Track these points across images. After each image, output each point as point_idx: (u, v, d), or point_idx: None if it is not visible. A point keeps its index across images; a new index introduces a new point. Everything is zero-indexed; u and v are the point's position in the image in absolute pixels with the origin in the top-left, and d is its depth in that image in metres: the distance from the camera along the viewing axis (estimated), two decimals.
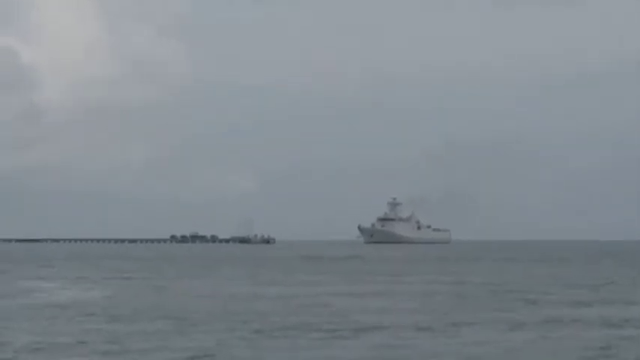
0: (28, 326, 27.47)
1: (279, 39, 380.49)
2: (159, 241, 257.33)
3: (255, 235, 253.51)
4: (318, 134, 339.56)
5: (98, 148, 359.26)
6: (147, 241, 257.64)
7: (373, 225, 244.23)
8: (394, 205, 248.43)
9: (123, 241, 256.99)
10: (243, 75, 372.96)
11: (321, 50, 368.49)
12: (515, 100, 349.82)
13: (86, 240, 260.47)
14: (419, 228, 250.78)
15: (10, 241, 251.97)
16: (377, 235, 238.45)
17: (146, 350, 22.46)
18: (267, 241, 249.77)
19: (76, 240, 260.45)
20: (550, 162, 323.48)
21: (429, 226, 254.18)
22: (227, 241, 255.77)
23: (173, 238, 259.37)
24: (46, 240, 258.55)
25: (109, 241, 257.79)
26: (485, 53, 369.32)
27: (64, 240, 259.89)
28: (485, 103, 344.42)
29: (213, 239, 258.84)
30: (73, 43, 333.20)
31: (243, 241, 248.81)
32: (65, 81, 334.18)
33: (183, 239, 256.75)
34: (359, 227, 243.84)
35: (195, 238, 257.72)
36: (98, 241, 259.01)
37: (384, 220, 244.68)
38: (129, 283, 51.77)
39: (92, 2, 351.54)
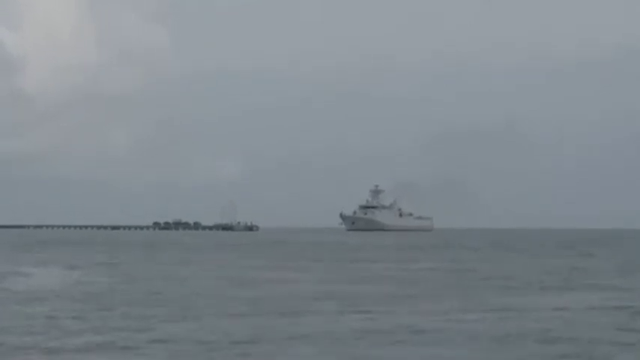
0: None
1: (266, 26, 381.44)
2: (142, 227, 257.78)
3: (239, 223, 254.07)
4: (304, 122, 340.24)
5: (82, 135, 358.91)
6: (130, 227, 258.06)
7: (355, 212, 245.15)
8: (376, 192, 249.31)
9: (105, 227, 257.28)
10: (228, 62, 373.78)
11: (310, 37, 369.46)
12: (509, 89, 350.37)
13: (68, 226, 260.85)
14: (401, 215, 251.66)
15: None
16: (358, 223, 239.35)
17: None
18: (251, 228, 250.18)
19: (58, 226, 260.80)
20: (542, 151, 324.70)
21: (410, 214, 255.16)
22: (210, 228, 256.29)
23: (156, 224, 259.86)
24: (28, 226, 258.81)
25: (92, 227, 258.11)
26: (479, 41, 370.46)
27: (47, 226, 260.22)
28: (478, 93, 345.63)
29: (197, 226, 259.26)
30: (58, 30, 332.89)
31: (227, 228, 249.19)
32: (50, 68, 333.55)
33: (167, 226, 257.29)
34: (341, 215, 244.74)
35: (178, 225, 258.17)
36: (80, 227, 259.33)
37: (365, 207, 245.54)
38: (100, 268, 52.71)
39: None
